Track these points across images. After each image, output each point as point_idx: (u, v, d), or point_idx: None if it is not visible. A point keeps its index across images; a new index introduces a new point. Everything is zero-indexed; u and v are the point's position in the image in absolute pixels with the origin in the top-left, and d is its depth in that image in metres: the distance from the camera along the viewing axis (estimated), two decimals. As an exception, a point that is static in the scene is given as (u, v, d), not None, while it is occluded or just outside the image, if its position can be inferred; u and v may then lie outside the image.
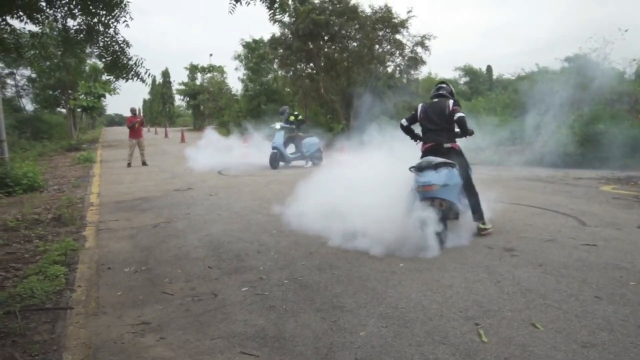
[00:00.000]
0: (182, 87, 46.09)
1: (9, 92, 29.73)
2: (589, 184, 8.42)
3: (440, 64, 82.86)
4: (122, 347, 2.97)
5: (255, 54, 31.09)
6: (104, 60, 5.26)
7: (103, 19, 4.63)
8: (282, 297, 3.69)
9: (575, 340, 2.80)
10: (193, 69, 46.08)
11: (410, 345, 2.84)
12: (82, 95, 27.48)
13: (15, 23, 4.85)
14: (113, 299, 3.81)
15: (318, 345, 2.90)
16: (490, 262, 4.31)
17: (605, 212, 6.08)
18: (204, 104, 42.55)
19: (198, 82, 45.94)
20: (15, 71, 28.74)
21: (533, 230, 5.40)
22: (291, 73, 21.89)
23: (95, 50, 5.44)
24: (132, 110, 15.04)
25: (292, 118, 13.06)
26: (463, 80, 42.12)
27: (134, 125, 14.60)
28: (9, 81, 29.38)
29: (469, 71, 42.73)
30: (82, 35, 4.80)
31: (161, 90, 62.98)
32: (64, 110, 31.19)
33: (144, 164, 14.44)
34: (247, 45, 31.47)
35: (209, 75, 44.88)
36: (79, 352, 2.93)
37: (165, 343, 3.01)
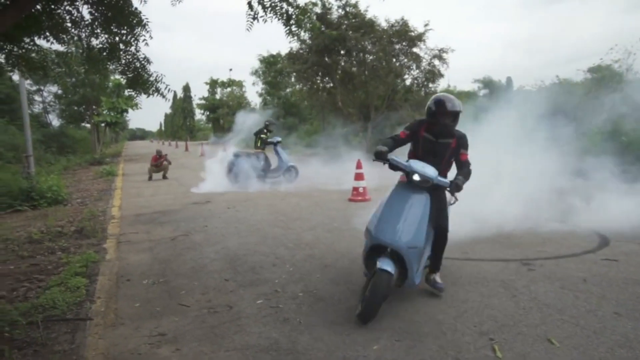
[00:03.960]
0: (203, 101, 46.92)
1: (37, 108, 30.71)
2: (610, 197, 8.24)
3: (460, 77, 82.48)
4: (138, 358, 3.03)
5: (272, 69, 31.52)
6: (125, 76, 5.43)
7: (124, 37, 4.78)
8: (297, 310, 3.72)
9: (592, 357, 2.76)
10: (213, 84, 46.96)
11: (423, 360, 2.83)
12: (106, 111, 28.17)
13: (41, 43, 5.07)
14: (131, 310, 3.88)
15: (331, 358, 2.91)
16: (507, 277, 4.26)
17: (627, 226, 5.95)
18: (223, 118, 43.18)
19: (218, 96, 46.72)
20: (42, 88, 29.71)
21: (552, 244, 5.33)
22: (308, 87, 22.11)
23: (117, 67, 5.61)
24: (158, 152, 15.32)
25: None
26: (482, 92, 41.89)
27: (159, 164, 14.92)
28: (37, 98, 30.36)
29: (488, 83, 42.50)
30: (105, 54, 4.96)
31: (182, 105, 64.20)
32: (88, 126, 32.04)
33: (164, 177, 14.72)
34: (264, 60, 31.94)
35: (228, 89, 45.60)
36: (97, 362, 3.00)
37: (181, 354, 3.06)
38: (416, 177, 3.69)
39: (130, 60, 5.12)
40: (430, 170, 3.73)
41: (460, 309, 3.56)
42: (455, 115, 3.84)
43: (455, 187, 3.71)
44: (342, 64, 20.55)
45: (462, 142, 3.95)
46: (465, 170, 3.88)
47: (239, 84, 46.03)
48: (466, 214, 6.55)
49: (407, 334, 3.18)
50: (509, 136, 7.87)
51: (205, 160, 14.86)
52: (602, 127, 11.46)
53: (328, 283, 4.31)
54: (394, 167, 3.78)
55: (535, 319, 3.34)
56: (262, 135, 12.76)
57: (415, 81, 20.51)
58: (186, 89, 63.69)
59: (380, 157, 3.73)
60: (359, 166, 9.20)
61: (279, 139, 12.98)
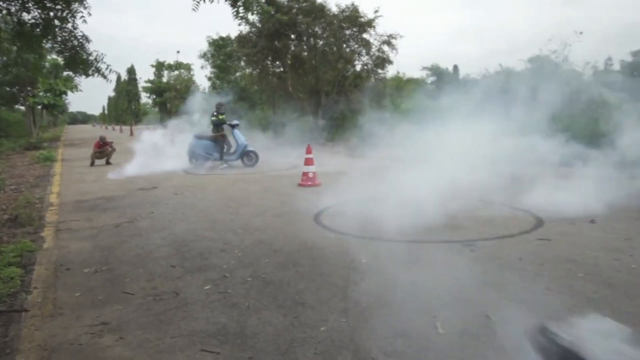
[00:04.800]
0: (148, 84, 45.26)
1: (-37, 88, 28.45)
2: (545, 181, 8.69)
3: (410, 64, 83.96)
4: (79, 348, 2.92)
5: (222, 52, 30.82)
6: (62, 55, 5.14)
7: (60, 13, 4.51)
8: (245, 295, 3.70)
9: (525, 330, 2.92)
10: (159, 66, 45.31)
11: (369, 339, 2.90)
12: (42, 92, 26.56)
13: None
14: (71, 300, 3.73)
15: (279, 341, 2.93)
16: (450, 257, 4.43)
17: (560, 208, 6.31)
18: (170, 102, 41.86)
19: (165, 79, 45.20)
20: (-31, 67, 27.53)
21: (492, 226, 5.58)
22: (258, 71, 21.80)
23: (53, 46, 5.29)
24: (102, 139, 14.66)
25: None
26: (430, 79, 42.82)
27: (103, 150, 14.28)
28: (-37, 77, 28.11)
29: (435, 70, 43.47)
30: (38, 30, 4.66)
31: (126, 88, 61.70)
32: (22, 108, 30.09)
33: (107, 162, 14.14)
34: (213, 43, 31.17)
35: (175, 72, 44.21)
36: (34, 354, 2.86)
37: (124, 343, 2.98)
38: None
39: (67, 38, 4.86)
40: None
41: (406, 290, 3.67)
42: None
43: None
44: (293, 48, 20.37)
45: None
46: None
47: (187, 67, 44.66)
48: (413, 198, 6.74)
49: (354, 315, 3.25)
50: (458, 123, 8.11)
51: (135, 142, 14.51)
52: (543, 114, 12.03)
53: (277, 267, 4.32)
54: None
55: (475, 296, 3.50)
56: (213, 118, 12.60)
57: (365, 67, 20.67)
58: (131, 71, 61.04)
59: None
60: (308, 151, 9.21)
61: (237, 122, 12.84)
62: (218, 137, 12.56)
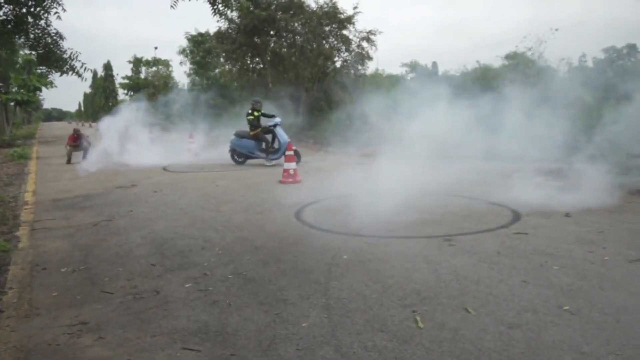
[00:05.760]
0: (126, 80, 44.50)
1: None
2: (522, 176, 8.87)
3: (390, 60, 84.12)
4: (56, 349, 2.88)
5: (201, 48, 30.48)
6: (35, 52, 5.03)
7: (33, 9, 4.40)
8: (226, 292, 3.69)
9: (502, 322, 3.00)
10: (137, 63, 44.57)
11: (350, 334, 2.93)
12: (15, 88, 25.90)
13: None
14: (48, 300, 3.67)
15: (260, 337, 2.94)
16: (430, 252, 4.49)
17: (536, 202, 6.45)
18: (149, 99, 41.22)
19: (142, 75, 44.49)
20: (-62, 62, 26.64)
21: (471, 221, 5.67)
22: (238, 67, 21.66)
23: (26, 42, 5.16)
24: (76, 131, 14.30)
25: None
26: (410, 76, 43.06)
27: (79, 144, 13.97)
28: None
29: (414, 67, 43.73)
30: (10, 26, 4.55)
31: (103, 84, 60.56)
32: (-6, 104, 29.32)
33: (84, 158, 13.88)
34: (192, 39, 30.81)
35: (153, 68, 43.55)
36: (9, 356, 2.81)
37: (104, 342, 2.95)
38: None
39: (40, 35, 4.74)
40: None
41: (385, 284, 3.71)
42: None
43: None
44: (272, 44, 20.29)
45: None
46: None
47: (166, 63, 44.04)
48: (393, 194, 6.81)
49: (335, 311, 3.28)
50: (437, 119, 8.21)
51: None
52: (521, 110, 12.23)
53: (258, 264, 4.32)
54: None
55: (454, 290, 3.56)
56: (250, 117, 12.14)
57: (345, 63, 20.71)
58: (107, 67, 59.86)
59: None
60: (289, 148, 9.20)
61: (279, 120, 12.25)
62: (258, 134, 12.10)
